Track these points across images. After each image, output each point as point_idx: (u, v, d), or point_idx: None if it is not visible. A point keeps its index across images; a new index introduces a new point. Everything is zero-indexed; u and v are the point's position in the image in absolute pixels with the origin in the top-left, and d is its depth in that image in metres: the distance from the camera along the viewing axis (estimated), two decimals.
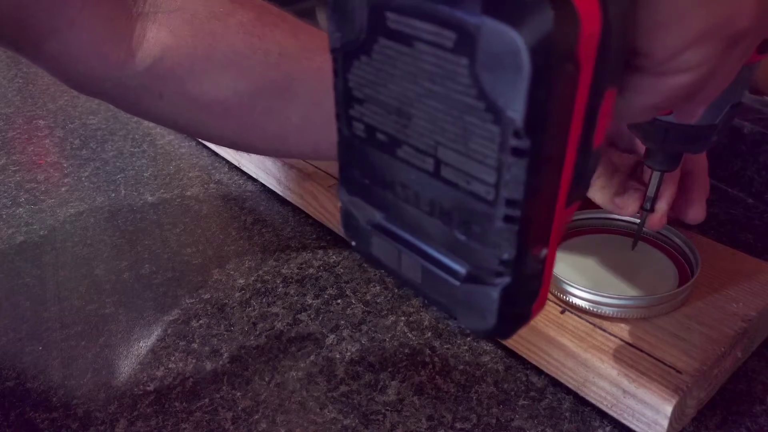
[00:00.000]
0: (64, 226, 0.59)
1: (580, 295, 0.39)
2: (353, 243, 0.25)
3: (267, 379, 0.42)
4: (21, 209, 0.62)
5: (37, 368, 0.44)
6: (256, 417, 0.39)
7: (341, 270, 0.50)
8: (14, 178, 0.67)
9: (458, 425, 0.38)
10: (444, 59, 0.18)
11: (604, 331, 0.38)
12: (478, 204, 0.20)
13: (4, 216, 0.61)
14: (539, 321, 0.39)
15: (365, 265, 0.50)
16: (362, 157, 0.23)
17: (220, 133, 0.46)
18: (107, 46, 0.38)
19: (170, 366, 0.43)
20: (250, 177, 0.63)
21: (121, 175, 0.66)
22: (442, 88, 0.19)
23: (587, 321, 0.39)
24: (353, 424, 0.38)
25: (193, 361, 0.43)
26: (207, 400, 0.40)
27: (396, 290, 0.48)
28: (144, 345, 0.45)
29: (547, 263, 0.21)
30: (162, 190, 0.63)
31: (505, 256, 0.20)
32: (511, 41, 0.16)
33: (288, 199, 0.59)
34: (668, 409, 0.33)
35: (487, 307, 0.21)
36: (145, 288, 0.50)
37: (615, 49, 0.19)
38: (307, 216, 0.57)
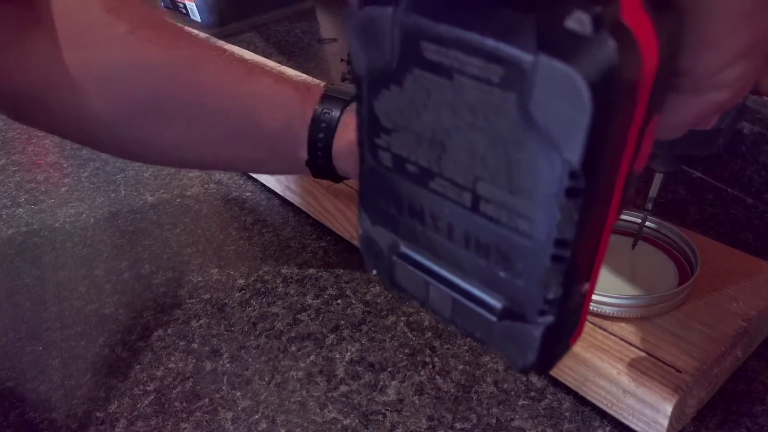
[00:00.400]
0: (64, 227, 0.59)
1: None
2: (374, 272, 0.24)
3: (267, 379, 0.42)
4: (21, 209, 0.62)
5: (37, 368, 0.44)
6: (256, 417, 0.39)
7: (341, 270, 0.50)
8: (14, 178, 0.67)
9: (458, 425, 0.38)
10: (488, 94, 0.17)
11: (605, 330, 0.38)
12: (523, 241, 0.18)
13: (4, 216, 0.61)
14: None
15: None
16: (388, 187, 0.22)
17: (108, 147, 0.47)
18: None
19: (170, 366, 0.43)
20: (250, 177, 0.63)
21: (121, 175, 0.66)
22: (484, 123, 0.17)
23: (587, 320, 0.39)
24: (353, 424, 0.38)
25: (193, 361, 0.43)
26: (207, 400, 0.40)
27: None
28: (144, 345, 0.45)
29: (588, 296, 0.20)
30: (162, 190, 0.63)
31: (551, 296, 0.19)
32: (572, 82, 0.15)
33: (288, 199, 0.59)
34: (668, 408, 0.33)
35: (527, 345, 0.20)
36: (145, 288, 0.50)
37: (664, 76, 0.18)
38: (307, 216, 0.57)
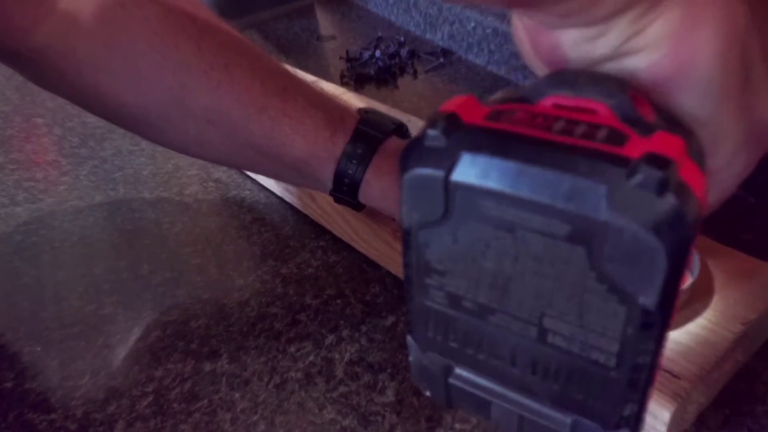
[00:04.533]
0: (63, 225, 0.58)
1: None
2: (427, 393, 0.24)
3: (266, 379, 0.42)
4: (19, 208, 0.61)
5: (36, 369, 0.44)
6: (255, 418, 0.39)
7: (340, 270, 0.50)
8: (12, 176, 0.67)
9: (458, 426, 0.38)
10: (555, 246, 0.17)
11: None
12: (596, 368, 0.19)
13: (2, 215, 0.61)
14: None
15: (365, 265, 0.50)
16: (441, 320, 0.22)
17: (121, 123, 0.45)
18: (11, 8, 0.37)
19: (169, 367, 0.43)
20: (249, 176, 0.63)
21: (120, 174, 0.66)
22: (550, 270, 0.18)
23: None
24: (352, 425, 0.38)
25: (192, 361, 0.43)
26: (206, 401, 0.40)
27: (395, 291, 0.48)
28: (143, 345, 0.45)
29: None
30: (161, 189, 0.63)
31: (627, 413, 0.19)
32: (646, 242, 0.16)
33: (286, 199, 0.58)
34: (666, 415, 0.33)
35: None
36: (144, 288, 0.50)
37: None
38: (307, 215, 0.57)
